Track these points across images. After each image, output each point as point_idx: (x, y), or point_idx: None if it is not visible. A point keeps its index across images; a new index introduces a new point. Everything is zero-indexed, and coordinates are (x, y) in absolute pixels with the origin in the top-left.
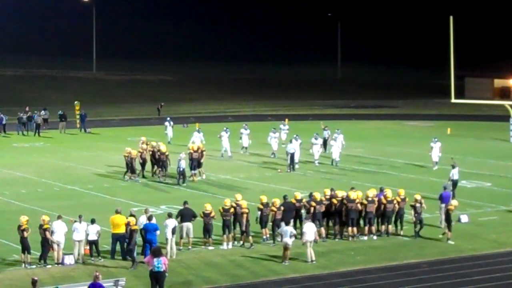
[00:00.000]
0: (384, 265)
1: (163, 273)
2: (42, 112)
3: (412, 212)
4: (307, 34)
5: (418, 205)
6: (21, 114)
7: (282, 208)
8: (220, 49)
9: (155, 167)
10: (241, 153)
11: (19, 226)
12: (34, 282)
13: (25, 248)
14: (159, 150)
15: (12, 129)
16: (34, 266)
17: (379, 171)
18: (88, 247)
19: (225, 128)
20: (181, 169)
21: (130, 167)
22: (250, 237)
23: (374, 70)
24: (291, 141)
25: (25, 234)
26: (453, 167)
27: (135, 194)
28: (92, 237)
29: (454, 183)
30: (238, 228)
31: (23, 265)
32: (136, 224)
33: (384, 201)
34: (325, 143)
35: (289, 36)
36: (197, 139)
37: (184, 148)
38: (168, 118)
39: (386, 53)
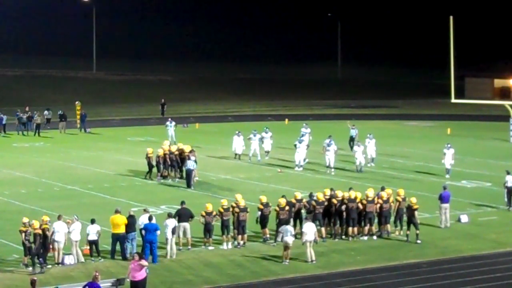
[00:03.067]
0: (384, 265)
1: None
2: (45, 112)
3: (409, 215)
4: (307, 34)
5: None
6: (21, 114)
7: (287, 208)
8: (220, 49)
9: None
10: (266, 158)
11: (40, 226)
12: (33, 282)
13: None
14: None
15: (12, 129)
16: (30, 269)
17: (379, 171)
18: (88, 247)
19: (253, 131)
20: (188, 169)
21: (161, 167)
22: (240, 236)
23: (374, 70)
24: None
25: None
26: (508, 173)
27: (135, 194)
28: (92, 237)
29: (509, 190)
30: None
31: (25, 267)
32: (40, 228)
33: (380, 201)
34: (352, 141)
35: (289, 36)
36: (238, 145)
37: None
38: (169, 119)
39: (386, 53)
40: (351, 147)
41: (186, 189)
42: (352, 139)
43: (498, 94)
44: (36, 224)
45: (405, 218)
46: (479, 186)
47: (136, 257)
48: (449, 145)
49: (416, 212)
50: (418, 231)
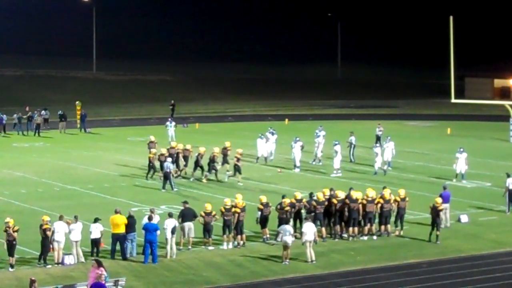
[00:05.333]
0: (384, 265)
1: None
2: (43, 112)
3: (434, 215)
4: (307, 34)
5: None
6: (19, 114)
7: (287, 208)
8: (220, 49)
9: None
10: (271, 158)
11: (41, 226)
12: (32, 282)
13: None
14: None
15: (12, 129)
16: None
17: (379, 171)
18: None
19: (270, 130)
20: (166, 171)
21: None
22: (239, 236)
23: (374, 70)
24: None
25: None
26: (508, 176)
27: (135, 194)
28: (95, 235)
29: (511, 193)
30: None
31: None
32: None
33: (381, 201)
34: (378, 140)
35: (289, 36)
36: (262, 148)
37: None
38: (169, 119)
39: (386, 53)
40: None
41: (186, 189)
42: (378, 138)
43: (498, 94)
44: None
45: (410, 217)
46: (479, 186)
47: (95, 265)
48: (461, 150)
49: (441, 213)
50: (438, 232)
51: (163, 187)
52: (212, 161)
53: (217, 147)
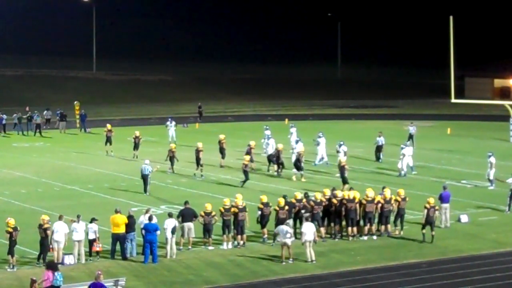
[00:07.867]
0: (384, 265)
1: None
2: (45, 112)
3: (425, 214)
4: (307, 34)
5: (432, 209)
6: (19, 114)
7: (286, 207)
8: (220, 49)
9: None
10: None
11: (40, 225)
12: (32, 282)
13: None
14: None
15: (12, 128)
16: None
17: (379, 171)
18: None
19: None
20: (144, 174)
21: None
22: (239, 236)
23: (374, 70)
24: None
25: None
26: None
27: (135, 194)
28: (91, 235)
29: None
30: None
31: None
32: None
33: (382, 201)
34: (411, 138)
35: (289, 36)
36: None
37: (184, 147)
38: (170, 119)
39: (386, 53)
40: (413, 143)
41: (186, 189)
42: (411, 137)
43: (498, 94)
44: None
45: (410, 217)
46: (479, 186)
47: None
48: (490, 154)
49: (437, 212)
50: (433, 232)
51: (145, 191)
52: (278, 157)
53: (280, 143)
